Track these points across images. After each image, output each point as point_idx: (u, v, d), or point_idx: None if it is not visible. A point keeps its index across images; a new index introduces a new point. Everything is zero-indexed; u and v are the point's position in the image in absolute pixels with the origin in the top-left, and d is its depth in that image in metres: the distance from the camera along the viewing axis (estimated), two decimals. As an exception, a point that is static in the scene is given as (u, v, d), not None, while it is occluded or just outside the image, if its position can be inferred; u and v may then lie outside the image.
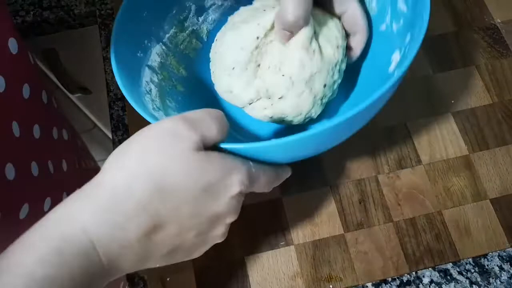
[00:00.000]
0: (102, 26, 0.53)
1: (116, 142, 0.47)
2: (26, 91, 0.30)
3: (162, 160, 0.24)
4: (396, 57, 0.37)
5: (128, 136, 0.47)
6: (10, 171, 0.27)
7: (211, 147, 0.27)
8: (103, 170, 0.25)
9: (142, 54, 0.39)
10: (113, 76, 0.50)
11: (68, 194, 0.35)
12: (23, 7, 0.55)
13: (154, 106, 0.37)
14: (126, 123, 0.48)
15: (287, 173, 0.33)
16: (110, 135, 0.96)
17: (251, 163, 0.28)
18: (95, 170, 0.44)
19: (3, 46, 0.28)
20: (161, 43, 0.41)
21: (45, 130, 0.32)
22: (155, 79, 0.40)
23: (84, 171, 0.39)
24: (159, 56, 0.41)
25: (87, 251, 0.23)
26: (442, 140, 0.46)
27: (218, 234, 0.28)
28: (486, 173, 0.44)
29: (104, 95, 0.50)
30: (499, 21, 0.51)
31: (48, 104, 0.34)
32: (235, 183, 0.26)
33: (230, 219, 0.28)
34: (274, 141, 0.26)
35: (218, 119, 0.27)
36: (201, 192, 0.25)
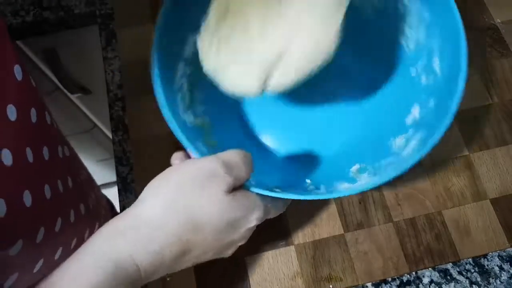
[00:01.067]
0: (102, 26, 0.53)
1: (116, 142, 0.47)
2: (33, 115, 0.31)
3: (197, 198, 0.28)
4: (415, 112, 0.38)
5: (128, 136, 0.47)
6: (27, 198, 0.27)
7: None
8: (142, 199, 0.29)
9: (180, 48, 0.39)
10: (113, 76, 0.50)
11: (74, 211, 0.35)
12: (23, 7, 0.55)
13: (184, 106, 0.38)
14: (126, 123, 0.48)
15: (289, 202, 0.38)
16: (110, 135, 0.95)
17: (268, 199, 0.32)
18: (88, 180, 0.44)
19: (10, 74, 0.29)
20: (198, 31, 0.38)
21: (51, 150, 0.33)
22: (188, 71, 0.40)
23: (80, 185, 0.39)
24: (193, 46, 0.38)
25: (134, 274, 0.27)
26: (442, 140, 0.46)
27: (229, 253, 0.33)
28: (486, 173, 0.44)
29: (104, 95, 0.50)
30: (499, 21, 0.51)
31: (51, 124, 0.35)
32: (254, 218, 0.31)
33: (242, 243, 0.33)
34: (302, 196, 0.32)
35: (248, 163, 0.31)
36: (226, 226, 0.30)
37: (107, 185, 1.21)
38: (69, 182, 0.35)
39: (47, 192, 0.30)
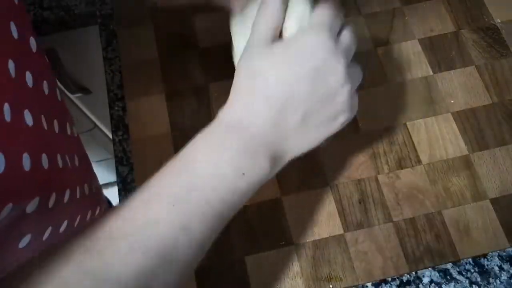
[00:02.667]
0: (102, 26, 0.53)
1: (116, 142, 0.47)
2: (45, 87, 0.32)
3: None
4: None
5: (128, 136, 0.47)
6: (44, 160, 0.29)
7: None
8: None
9: None
10: (113, 76, 0.50)
11: (80, 189, 0.36)
12: (23, 7, 0.56)
13: None
14: (126, 123, 0.48)
15: None
16: (110, 135, 0.96)
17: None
18: (92, 169, 0.45)
19: (27, 44, 0.30)
20: None
21: (60, 124, 0.34)
22: None
23: (86, 167, 0.40)
24: None
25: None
26: (442, 140, 0.46)
27: (338, 122, 0.32)
28: (486, 173, 0.44)
29: (104, 95, 0.50)
30: (499, 21, 0.51)
31: (61, 101, 0.36)
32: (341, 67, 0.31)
33: (344, 99, 0.31)
34: None
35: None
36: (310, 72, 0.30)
37: (107, 185, 1.21)
38: (76, 161, 0.36)
39: (59, 161, 0.31)
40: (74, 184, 0.35)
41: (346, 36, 0.31)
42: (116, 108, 0.49)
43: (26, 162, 0.25)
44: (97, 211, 0.42)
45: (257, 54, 0.31)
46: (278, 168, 0.32)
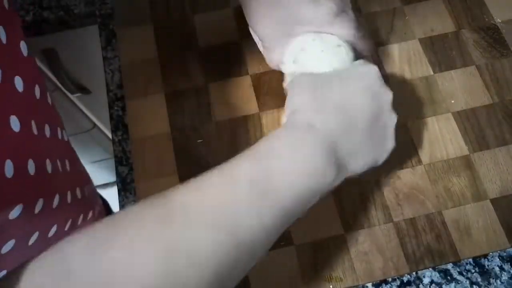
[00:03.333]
0: (102, 26, 0.53)
1: (116, 142, 0.47)
2: (37, 92, 0.32)
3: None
4: None
5: (128, 136, 0.47)
6: (31, 166, 0.28)
7: None
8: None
9: None
10: (112, 76, 0.50)
11: (71, 193, 0.36)
12: (23, 7, 0.55)
13: None
14: (126, 123, 0.48)
15: None
16: (110, 135, 0.95)
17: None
18: (85, 172, 0.45)
19: (16, 48, 0.30)
20: None
21: (52, 129, 0.34)
22: None
23: (77, 171, 0.40)
24: None
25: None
26: (442, 140, 0.46)
27: (384, 154, 0.36)
28: (486, 173, 0.44)
29: (104, 95, 0.50)
30: (499, 21, 0.51)
31: (52, 106, 0.36)
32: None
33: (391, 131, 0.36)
34: None
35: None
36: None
37: (107, 185, 1.21)
38: (67, 165, 0.36)
39: (48, 167, 0.31)
40: (64, 189, 0.35)
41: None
42: (115, 108, 0.49)
43: (9, 169, 0.25)
44: (90, 215, 0.42)
45: (319, 76, 0.35)
46: (339, 180, 0.32)
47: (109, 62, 0.51)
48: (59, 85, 0.78)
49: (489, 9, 0.52)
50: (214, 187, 0.28)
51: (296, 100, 0.34)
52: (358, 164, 0.33)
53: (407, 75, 0.49)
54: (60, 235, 0.32)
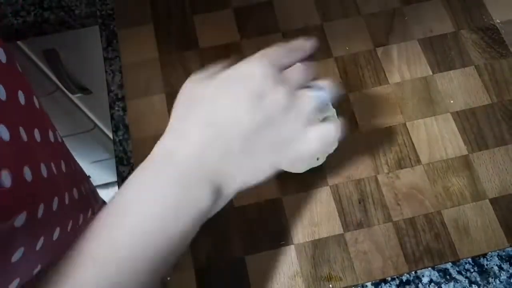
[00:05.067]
0: (103, 26, 0.53)
1: (117, 142, 0.48)
2: (21, 97, 0.32)
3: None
4: None
5: (128, 136, 0.47)
6: (27, 173, 0.28)
7: None
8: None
9: None
10: (113, 76, 0.51)
11: (69, 194, 0.36)
12: (24, 8, 0.56)
13: None
14: (126, 123, 0.48)
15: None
16: (110, 135, 0.96)
17: None
18: (81, 171, 0.45)
19: None
20: None
21: (42, 132, 0.34)
22: None
23: (73, 171, 0.40)
24: None
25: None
26: (442, 140, 0.46)
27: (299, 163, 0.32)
28: (485, 173, 0.44)
29: (105, 95, 0.50)
30: (499, 21, 0.51)
31: (40, 109, 0.36)
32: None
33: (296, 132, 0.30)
34: None
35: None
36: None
37: (107, 185, 1.21)
38: (62, 166, 0.36)
39: (44, 171, 0.31)
40: (62, 191, 0.35)
41: (295, 68, 0.31)
42: (116, 108, 0.49)
43: (6, 179, 0.25)
44: (89, 214, 0.42)
45: (199, 82, 0.31)
46: (226, 198, 0.30)
47: (109, 62, 0.51)
48: (60, 85, 0.78)
49: (488, 10, 0.52)
50: (63, 275, 0.27)
51: (169, 123, 0.31)
52: (247, 176, 0.30)
53: (406, 75, 0.49)
54: (64, 237, 0.32)
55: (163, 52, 0.51)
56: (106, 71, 0.51)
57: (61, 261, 0.27)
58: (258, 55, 0.31)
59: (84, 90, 0.81)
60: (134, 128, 0.47)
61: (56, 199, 0.33)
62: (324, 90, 0.31)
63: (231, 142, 0.29)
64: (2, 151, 0.26)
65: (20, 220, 0.26)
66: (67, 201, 0.35)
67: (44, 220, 0.30)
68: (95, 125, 0.95)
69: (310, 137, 0.30)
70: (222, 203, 0.30)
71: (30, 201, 0.28)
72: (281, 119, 0.29)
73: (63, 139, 0.41)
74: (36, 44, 0.67)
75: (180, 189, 0.28)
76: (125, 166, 0.46)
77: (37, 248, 0.30)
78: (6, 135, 0.27)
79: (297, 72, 0.31)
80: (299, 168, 0.42)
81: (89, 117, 0.93)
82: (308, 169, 0.42)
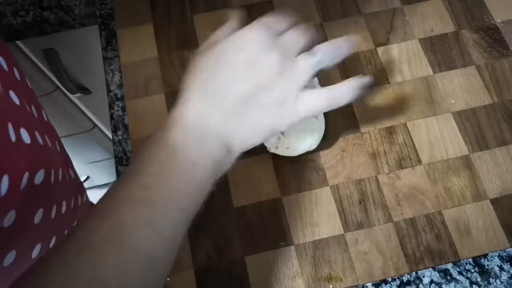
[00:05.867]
0: (102, 26, 0.53)
1: (116, 142, 0.47)
2: (34, 111, 0.32)
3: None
4: None
5: (128, 136, 0.47)
6: (25, 178, 0.28)
7: None
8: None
9: None
10: (113, 76, 0.50)
11: (66, 203, 0.36)
12: (23, 7, 0.55)
13: None
14: (126, 123, 0.48)
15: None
16: (110, 135, 0.95)
17: None
18: (79, 183, 0.45)
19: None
20: None
21: (44, 139, 0.34)
22: None
23: (71, 181, 0.40)
24: None
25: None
26: (442, 140, 0.46)
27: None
28: (486, 173, 0.44)
29: (104, 95, 0.50)
30: (499, 21, 0.51)
31: (47, 121, 0.37)
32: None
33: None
34: None
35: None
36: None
37: (107, 185, 1.21)
38: (60, 174, 0.36)
39: (52, 176, 0.31)
40: (59, 199, 0.35)
41: (289, 33, 0.33)
42: (116, 108, 0.49)
43: (5, 183, 0.25)
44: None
45: (201, 54, 0.34)
46: (233, 156, 0.33)
47: (109, 62, 0.51)
48: (59, 85, 0.78)
49: (488, 9, 0.52)
50: (101, 216, 0.28)
51: (181, 86, 0.34)
52: (247, 132, 0.33)
53: (407, 75, 0.49)
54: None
55: (162, 52, 0.51)
56: (105, 71, 0.51)
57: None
58: (254, 23, 0.34)
59: (83, 90, 0.80)
60: (133, 128, 0.47)
61: (54, 207, 0.33)
62: (325, 55, 0.34)
63: (229, 105, 0.32)
64: (26, 153, 0.26)
65: (38, 216, 0.27)
66: (63, 210, 0.36)
67: (42, 226, 0.30)
68: (95, 125, 0.95)
69: (302, 100, 0.33)
70: (230, 160, 0.33)
71: (24, 203, 0.28)
72: (273, 82, 0.32)
73: (62, 139, 0.41)
74: (35, 43, 0.67)
75: (193, 142, 0.31)
76: (124, 166, 0.46)
77: (33, 256, 0.30)
78: (27, 138, 0.28)
79: (296, 35, 0.33)
80: (294, 145, 0.43)
81: (88, 117, 0.93)
82: (302, 152, 0.43)
